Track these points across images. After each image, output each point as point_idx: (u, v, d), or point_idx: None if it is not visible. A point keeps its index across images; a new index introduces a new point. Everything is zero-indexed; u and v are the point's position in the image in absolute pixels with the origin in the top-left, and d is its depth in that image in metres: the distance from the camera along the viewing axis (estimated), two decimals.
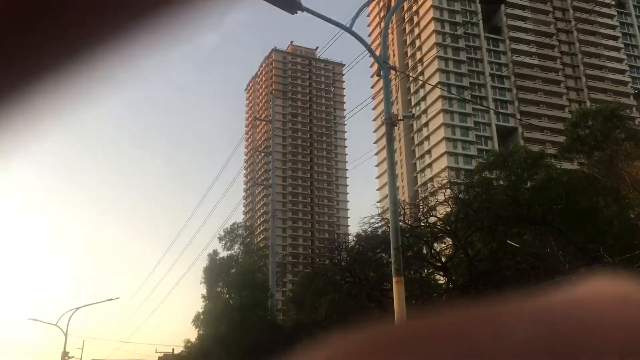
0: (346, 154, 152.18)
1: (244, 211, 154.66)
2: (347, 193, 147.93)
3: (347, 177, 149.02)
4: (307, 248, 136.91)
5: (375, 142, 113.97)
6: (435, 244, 30.62)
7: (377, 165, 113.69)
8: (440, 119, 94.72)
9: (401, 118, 14.60)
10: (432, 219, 29.42)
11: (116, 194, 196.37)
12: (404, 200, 33.29)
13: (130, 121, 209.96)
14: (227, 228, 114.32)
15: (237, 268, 41.28)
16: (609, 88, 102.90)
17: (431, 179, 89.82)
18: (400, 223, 30.88)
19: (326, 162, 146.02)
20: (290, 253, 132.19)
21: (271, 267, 30.55)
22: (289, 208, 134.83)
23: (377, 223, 30.49)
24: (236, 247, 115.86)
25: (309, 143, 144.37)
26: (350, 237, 35.85)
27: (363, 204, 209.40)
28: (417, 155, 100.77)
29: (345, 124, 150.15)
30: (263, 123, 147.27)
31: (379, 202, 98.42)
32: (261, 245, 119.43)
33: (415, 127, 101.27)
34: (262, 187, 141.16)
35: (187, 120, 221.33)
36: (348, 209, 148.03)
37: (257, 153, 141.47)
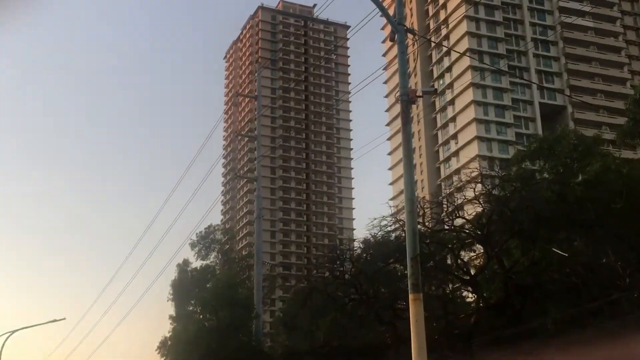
0: (351, 140, 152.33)
1: (222, 211, 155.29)
2: (352, 188, 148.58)
3: (351, 169, 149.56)
4: (302, 257, 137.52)
5: (388, 125, 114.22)
6: (462, 252, 30.71)
7: (390, 154, 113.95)
8: (469, 96, 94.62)
9: (420, 94, 14.59)
10: (458, 221, 29.53)
11: (66, 192, 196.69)
12: (423, 197, 33.42)
13: (76, 94, 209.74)
14: (200, 232, 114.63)
15: (214, 282, 41.32)
16: None
17: (458, 171, 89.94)
18: (419, 226, 31.09)
19: (326, 150, 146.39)
20: (281, 263, 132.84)
21: (256, 281, 30.55)
22: (279, 207, 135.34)
23: (390, 226, 30.59)
24: (212, 255, 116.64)
25: (305, 126, 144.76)
26: (356, 244, 36.01)
27: (372, 203, 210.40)
28: (440, 141, 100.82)
29: (349, 102, 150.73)
30: (247, 100, 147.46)
31: (392, 199, 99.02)
32: (244, 253, 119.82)
33: (438, 106, 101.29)
34: (245, 180, 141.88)
35: (150, 98, 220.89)
36: (353, 209, 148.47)
37: (239, 138, 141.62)
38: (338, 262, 33.94)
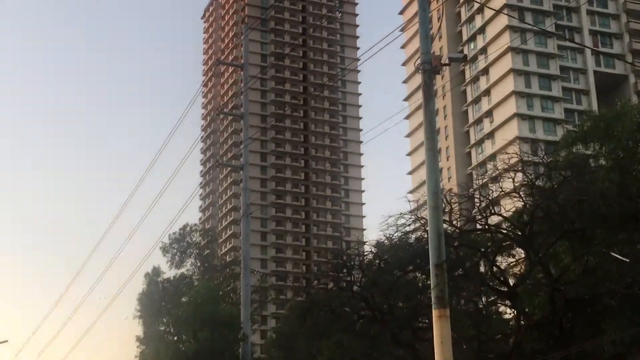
0: (360, 118, 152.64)
1: (201, 207, 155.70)
2: (362, 179, 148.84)
3: (361, 155, 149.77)
4: (300, 264, 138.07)
5: (406, 100, 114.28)
6: (499, 258, 30.71)
7: (408, 136, 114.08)
8: (507, 63, 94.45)
9: (447, 62, 14.49)
10: (494, 219, 29.47)
11: (18, 186, 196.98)
12: (450, 189, 33.48)
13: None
14: (174, 234, 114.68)
15: (191, 295, 41.43)
16: None
17: (493, 157, 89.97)
18: (445, 225, 31.06)
19: (329, 132, 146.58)
20: (274, 272, 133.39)
21: (243, 294, 30.48)
22: (272, 202, 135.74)
23: (409, 225, 30.56)
24: (189, 262, 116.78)
25: (303, 101, 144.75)
26: (367, 247, 36.06)
27: (387, 197, 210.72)
28: (471, 120, 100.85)
29: (358, 72, 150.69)
30: (230, 70, 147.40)
31: (411, 192, 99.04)
32: (228, 259, 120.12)
33: (468, 76, 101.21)
34: (228, 169, 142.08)
35: (112, 69, 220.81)
36: (363, 204, 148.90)
37: (222, 117, 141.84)
38: (345, 271, 33.99)
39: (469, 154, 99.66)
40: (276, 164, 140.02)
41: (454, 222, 29.81)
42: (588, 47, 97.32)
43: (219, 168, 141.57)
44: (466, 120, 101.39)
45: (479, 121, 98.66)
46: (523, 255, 30.46)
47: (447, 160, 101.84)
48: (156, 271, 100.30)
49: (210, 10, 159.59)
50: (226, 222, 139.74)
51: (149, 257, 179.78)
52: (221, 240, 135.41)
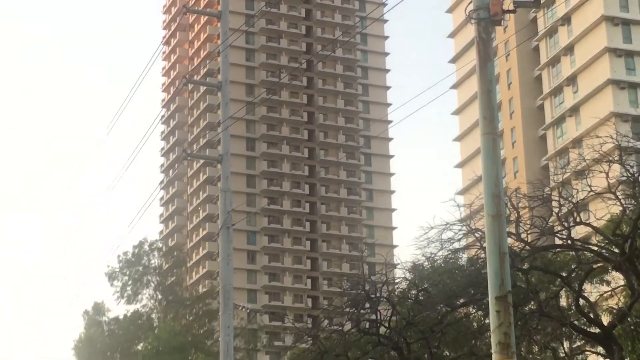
0: (387, 88, 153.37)
1: (162, 216, 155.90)
2: (391, 174, 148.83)
3: (388, 140, 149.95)
4: (303, 296, 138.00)
5: (453, 62, 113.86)
6: (587, 286, 30.46)
7: (456, 113, 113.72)
8: (598, 7, 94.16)
9: (511, 7, 14.48)
10: (579, 231, 29.24)
11: None
12: (517, 189, 33.45)
13: None
14: (125, 254, 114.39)
15: (150, 341, 41.75)
16: None
17: (578, 142, 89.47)
18: (511, 240, 30.83)
19: (343, 107, 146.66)
20: (267, 308, 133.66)
21: (223, 340, 30.45)
22: (262, 209, 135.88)
23: (458, 240, 30.45)
24: (146, 294, 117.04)
25: (305, 64, 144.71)
26: (400, 273, 36.07)
27: (425, 200, 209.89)
28: (546, 89, 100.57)
29: (385, 21, 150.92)
30: (202, 20, 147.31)
31: (460, 193, 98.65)
32: (201, 289, 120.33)
33: (542, 27, 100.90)
34: (201, 162, 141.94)
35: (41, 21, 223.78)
36: (392, 210, 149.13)
37: (190, 87, 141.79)
38: (368, 306, 34.03)
39: (544, 138, 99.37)
40: (269, 154, 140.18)
41: (523, 236, 29.79)
42: None
43: (186, 161, 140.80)
44: (539, 90, 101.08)
45: (557, 91, 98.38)
46: (622, 283, 30.40)
47: (513, 147, 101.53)
48: (99, 308, 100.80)
49: None
50: (197, 238, 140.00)
51: (88, 286, 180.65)
52: (191, 262, 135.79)
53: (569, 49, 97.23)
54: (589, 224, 29.64)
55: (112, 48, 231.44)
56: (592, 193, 29.87)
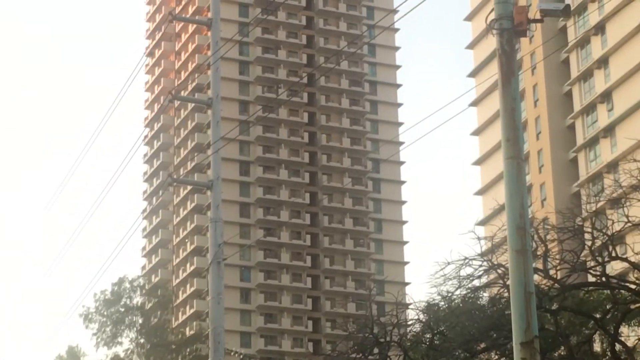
0: (398, 106, 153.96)
1: (144, 249, 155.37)
2: (402, 203, 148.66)
3: (400, 164, 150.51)
4: (303, 340, 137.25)
5: (472, 76, 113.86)
6: (624, 329, 30.18)
7: (475, 134, 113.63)
8: (636, 15, 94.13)
9: (538, 15, 14.50)
10: (615, 267, 29.03)
11: None
12: (544, 219, 33.42)
13: None
14: (103, 292, 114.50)
15: None
16: None
17: (613, 166, 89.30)
18: (538, 277, 30.60)
19: (349, 127, 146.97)
20: (264, 354, 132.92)
21: None
22: (258, 241, 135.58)
23: (478, 277, 30.32)
24: (127, 337, 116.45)
25: (307, 78, 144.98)
26: (412, 313, 35.94)
27: (441, 232, 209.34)
28: (577, 107, 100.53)
29: (396, 30, 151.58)
30: (190, 28, 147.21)
31: (480, 224, 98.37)
32: (188, 333, 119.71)
33: (572, 37, 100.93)
34: (189, 188, 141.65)
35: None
36: (404, 243, 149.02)
37: (176, 104, 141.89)
38: (377, 351, 33.93)
39: (575, 161, 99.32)
40: (265, 179, 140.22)
41: (552, 273, 29.74)
42: None
43: (172, 187, 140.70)
44: (570, 107, 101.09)
45: (589, 109, 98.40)
46: None
47: (540, 172, 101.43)
48: (73, 353, 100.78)
49: None
50: (184, 274, 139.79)
51: (62, 328, 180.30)
52: (177, 302, 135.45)
53: (603, 62, 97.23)
54: (625, 259, 29.63)
55: (113, 48, 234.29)
56: (630, 224, 29.84)
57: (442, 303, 32.81)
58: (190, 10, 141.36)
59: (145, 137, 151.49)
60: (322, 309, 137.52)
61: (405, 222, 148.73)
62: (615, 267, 29.63)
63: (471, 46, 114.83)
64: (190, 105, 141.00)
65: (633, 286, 29.89)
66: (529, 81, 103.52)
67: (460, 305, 31.78)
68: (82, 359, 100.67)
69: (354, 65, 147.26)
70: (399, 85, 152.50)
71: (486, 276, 31.19)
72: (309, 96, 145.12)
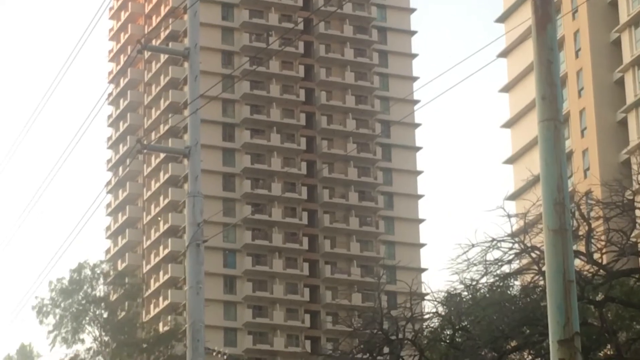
0: (413, 56, 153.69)
1: (108, 229, 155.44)
2: (418, 173, 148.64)
3: (414, 126, 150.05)
4: (298, 337, 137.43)
5: (501, 21, 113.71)
6: None
7: (504, 90, 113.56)
8: None
9: None
10: None
11: None
12: (588, 192, 33.49)
13: None
14: (60, 280, 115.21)
15: None
16: None
17: None
18: (579, 262, 30.65)
19: (353, 83, 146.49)
20: (251, 353, 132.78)
21: None
22: (244, 219, 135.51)
23: (508, 261, 30.34)
24: (88, 334, 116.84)
25: (302, 24, 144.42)
26: (429, 306, 36.04)
27: (463, 208, 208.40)
28: (627, 59, 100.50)
29: None
30: None
31: (510, 199, 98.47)
32: (162, 329, 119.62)
33: None
34: (162, 156, 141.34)
35: None
36: (420, 221, 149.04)
37: (146, 55, 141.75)
38: (387, 351, 34.08)
39: (624, 123, 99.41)
40: (253, 145, 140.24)
41: (596, 257, 29.83)
42: None
43: (142, 154, 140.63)
44: (618, 58, 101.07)
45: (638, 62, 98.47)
46: None
47: (583, 136, 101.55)
48: (25, 352, 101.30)
49: None
50: (157, 259, 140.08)
51: (12, 324, 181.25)
52: (148, 292, 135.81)
53: None
54: None
55: None
56: None
57: (465, 293, 32.92)
58: None
59: (110, 95, 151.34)
60: (322, 300, 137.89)
61: (420, 197, 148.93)
62: None
63: None
64: (163, 57, 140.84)
65: None
66: (570, 27, 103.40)
67: (487, 295, 31.89)
68: (36, 359, 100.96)
69: (359, 9, 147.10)
70: (413, 33, 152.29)
71: (517, 261, 31.26)
72: (306, 46, 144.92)
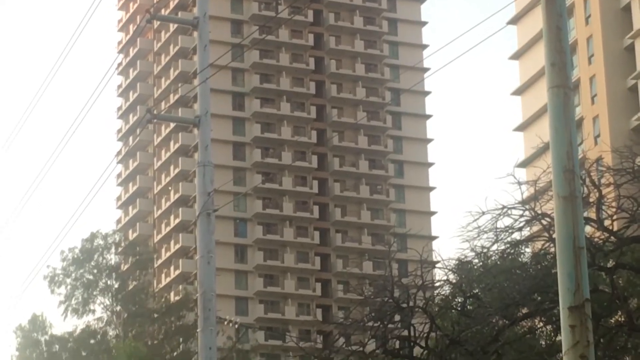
0: (423, 23, 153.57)
1: (119, 199, 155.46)
2: (427, 140, 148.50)
3: (425, 94, 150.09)
4: (309, 305, 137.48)
5: None
6: None
7: (514, 58, 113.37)
8: None
9: None
10: None
11: None
12: (599, 158, 33.36)
13: None
14: (72, 250, 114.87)
15: None
16: None
17: None
18: (590, 229, 30.54)
19: (363, 51, 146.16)
20: (262, 320, 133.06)
21: None
22: (255, 188, 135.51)
23: (519, 228, 30.32)
24: (100, 304, 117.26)
25: None
26: (440, 273, 36.06)
27: (473, 175, 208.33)
28: (637, 25, 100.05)
29: None
30: None
31: (521, 166, 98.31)
32: (173, 298, 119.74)
33: None
34: (171, 126, 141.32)
35: None
36: (431, 189, 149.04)
37: (155, 25, 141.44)
38: (398, 318, 34.11)
39: (635, 90, 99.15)
40: (263, 114, 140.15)
41: (607, 223, 29.77)
42: None
43: (152, 124, 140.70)
44: (629, 24, 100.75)
45: None
46: None
47: (593, 103, 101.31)
48: (37, 322, 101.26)
49: None
50: (168, 228, 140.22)
51: (24, 294, 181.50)
52: (159, 261, 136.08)
53: None
54: None
55: None
56: None
57: (476, 261, 32.89)
58: None
59: (119, 64, 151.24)
60: (333, 268, 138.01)
61: (431, 165, 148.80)
62: None
63: None
64: (172, 26, 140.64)
65: None
66: None
67: (498, 263, 31.86)
68: (48, 330, 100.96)
69: None
70: (422, 0, 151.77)
71: (528, 228, 31.21)
72: (315, 14, 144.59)
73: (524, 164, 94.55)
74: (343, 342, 43.76)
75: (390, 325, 34.92)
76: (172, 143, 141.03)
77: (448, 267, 34.86)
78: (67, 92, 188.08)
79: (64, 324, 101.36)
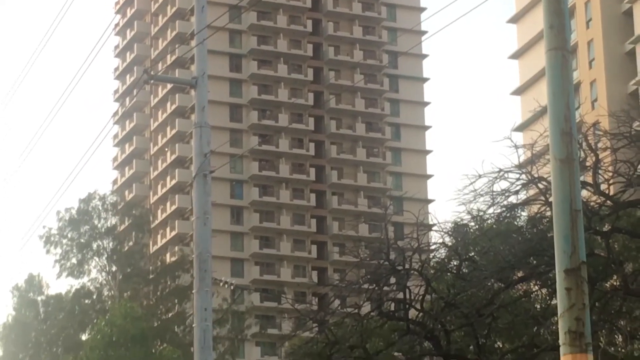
0: None
1: (115, 160, 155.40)
2: (424, 103, 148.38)
3: (422, 57, 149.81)
4: (305, 268, 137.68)
5: None
6: None
7: (512, 21, 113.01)
8: None
9: None
10: None
11: None
12: (595, 123, 33.37)
13: None
14: (68, 210, 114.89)
15: (99, 328, 42.15)
16: None
17: None
18: (586, 193, 30.55)
19: (361, 12, 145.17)
20: (258, 283, 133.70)
21: (198, 328, 30.67)
22: (251, 150, 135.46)
23: (515, 191, 30.36)
24: (95, 265, 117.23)
25: None
26: (436, 236, 36.08)
27: (470, 138, 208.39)
28: None
29: None
30: None
31: (518, 129, 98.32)
32: (169, 259, 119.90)
33: None
34: (168, 87, 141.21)
35: None
36: (427, 152, 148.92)
37: None
38: (393, 281, 34.14)
39: (632, 54, 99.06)
40: (260, 76, 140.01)
41: (603, 187, 29.78)
42: None
43: (149, 85, 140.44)
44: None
45: None
46: None
47: (591, 67, 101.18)
48: (33, 282, 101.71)
49: None
50: (164, 189, 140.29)
51: (19, 254, 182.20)
52: (155, 222, 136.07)
53: None
54: None
55: None
56: None
57: (472, 224, 32.90)
58: None
59: (116, 25, 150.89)
60: (329, 231, 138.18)
61: (428, 128, 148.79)
62: None
63: None
64: None
65: None
66: None
67: (494, 226, 31.86)
68: (44, 290, 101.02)
69: None
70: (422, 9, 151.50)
71: (525, 191, 31.20)
72: None
73: (521, 128, 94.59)
74: (338, 304, 43.87)
75: (385, 288, 34.95)
76: (169, 104, 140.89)
77: (444, 230, 34.86)
78: (64, 52, 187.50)
79: (58, 284, 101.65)
